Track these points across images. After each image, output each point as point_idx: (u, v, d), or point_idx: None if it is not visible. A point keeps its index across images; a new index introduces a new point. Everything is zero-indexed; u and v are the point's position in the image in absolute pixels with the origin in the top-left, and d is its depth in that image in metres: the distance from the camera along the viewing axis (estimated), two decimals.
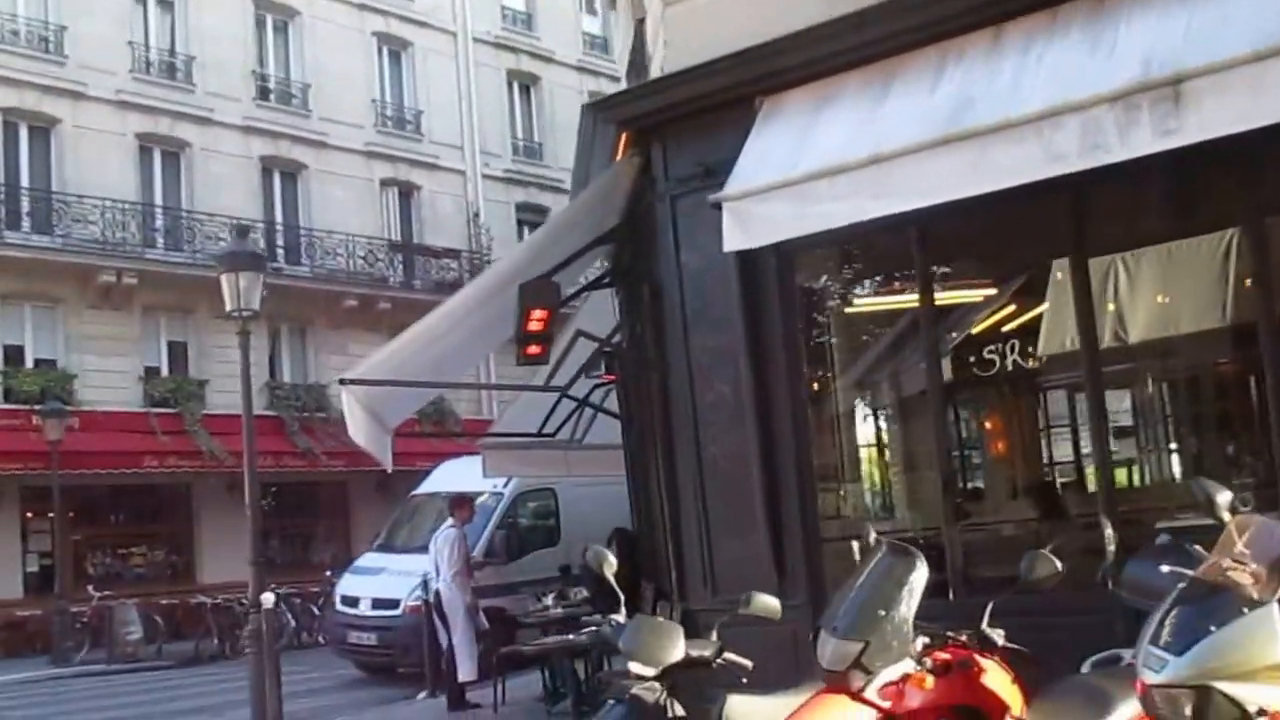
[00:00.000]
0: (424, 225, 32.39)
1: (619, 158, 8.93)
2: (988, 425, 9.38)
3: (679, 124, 8.05)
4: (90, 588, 21.89)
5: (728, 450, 7.71)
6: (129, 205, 26.44)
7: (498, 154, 34.38)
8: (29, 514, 25.05)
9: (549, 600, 12.07)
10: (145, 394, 26.54)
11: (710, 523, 7.77)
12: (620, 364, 11.23)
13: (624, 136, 8.59)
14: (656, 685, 4.71)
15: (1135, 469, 8.85)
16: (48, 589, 24.14)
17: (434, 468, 18.82)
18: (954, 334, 7.74)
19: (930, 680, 4.06)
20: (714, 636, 4.99)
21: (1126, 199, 6.60)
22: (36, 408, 24.00)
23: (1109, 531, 4.37)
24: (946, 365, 7.55)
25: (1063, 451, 9.19)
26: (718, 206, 6.81)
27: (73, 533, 24.58)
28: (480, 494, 16.71)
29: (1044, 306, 7.29)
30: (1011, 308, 7.82)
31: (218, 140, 28.58)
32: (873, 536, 4.59)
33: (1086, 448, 8.19)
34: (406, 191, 32.54)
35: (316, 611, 23.24)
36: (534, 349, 9.95)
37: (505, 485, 16.05)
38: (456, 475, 17.18)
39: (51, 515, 24.99)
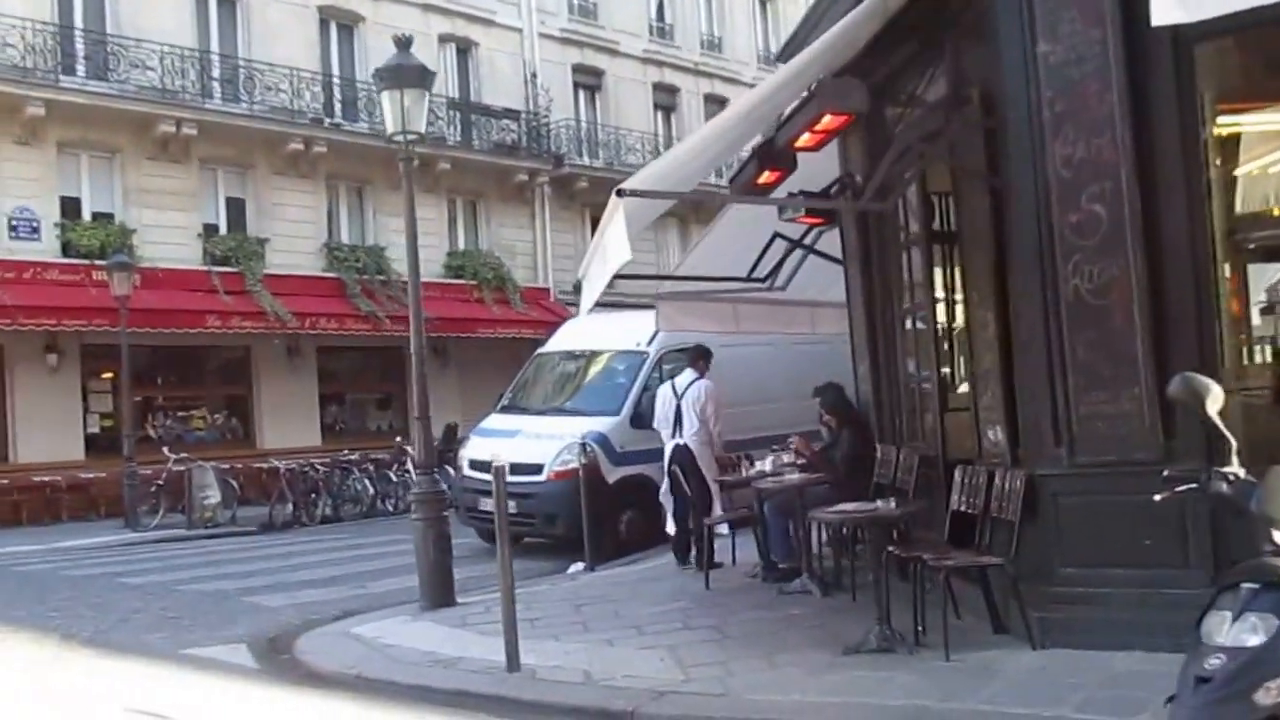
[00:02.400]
0: (481, 84, 30.75)
1: None
2: None
3: None
4: (165, 449, 20.79)
5: (1098, 282, 6.49)
6: (188, 52, 24.84)
7: (553, 12, 32.60)
8: (89, 374, 23.91)
9: (765, 465, 10.83)
10: (205, 251, 25.23)
11: (1069, 371, 6.57)
12: (854, 200, 9.90)
13: None
14: None
15: None
16: (107, 451, 23.29)
17: (549, 334, 17.63)
18: None
19: None
20: None
21: None
22: (98, 262, 22.78)
23: None
24: None
25: None
26: None
27: (133, 393, 23.43)
28: (602, 352, 15.58)
29: None
30: None
31: None
32: None
33: None
34: (464, 48, 30.82)
35: (394, 478, 22.25)
36: (772, 174, 8.64)
37: (649, 343, 14.85)
38: (586, 332, 15.98)
39: (108, 375, 24.09)
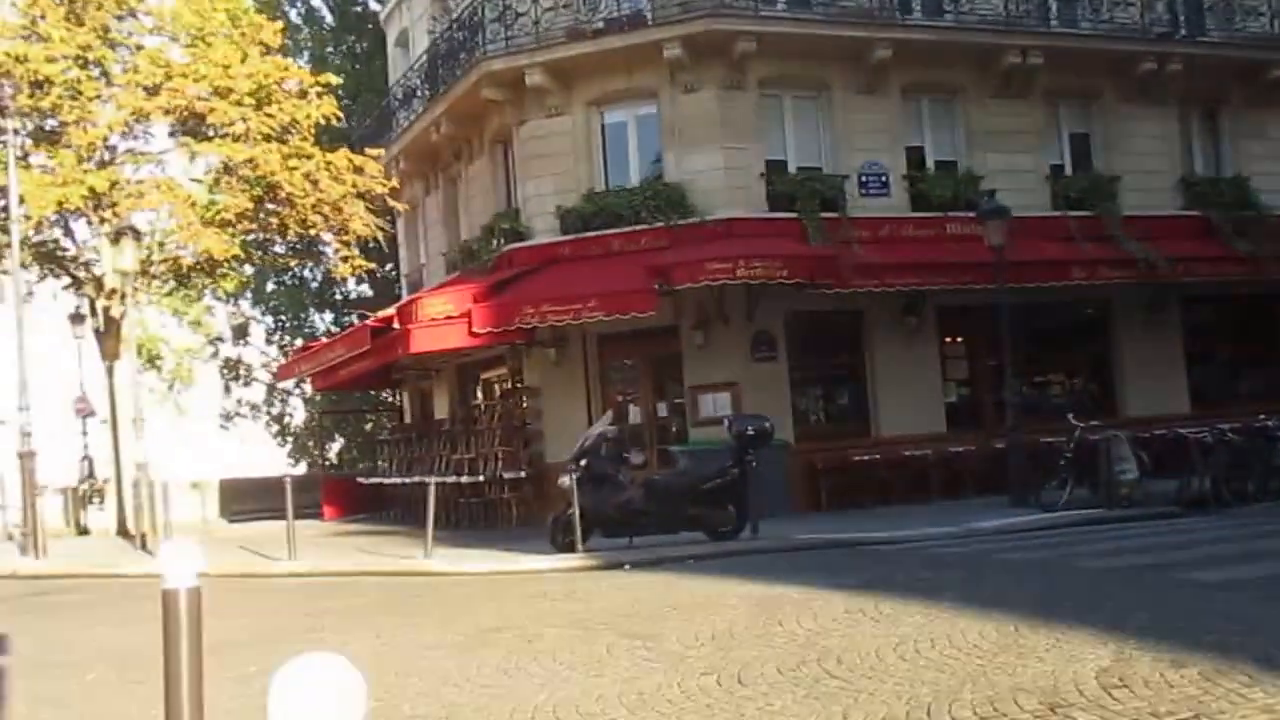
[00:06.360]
0: None
1: None
2: None
3: None
4: (1070, 416, 18.06)
5: None
6: None
7: None
8: (946, 339, 22.10)
9: None
10: (1053, 195, 22.42)
11: None
12: None
13: None
14: None
15: None
16: (963, 421, 21.69)
17: None
18: None
19: None
20: None
21: None
22: (952, 214, 20.79)
23: None
24: None
25: None
26: None
27: (988, 357, 21.16)
28: None
29: None
30: None
31: None
32: None
33: None
34: None
35: None
36: None
37: None
38: None
39: (950, 338, 22.16)
